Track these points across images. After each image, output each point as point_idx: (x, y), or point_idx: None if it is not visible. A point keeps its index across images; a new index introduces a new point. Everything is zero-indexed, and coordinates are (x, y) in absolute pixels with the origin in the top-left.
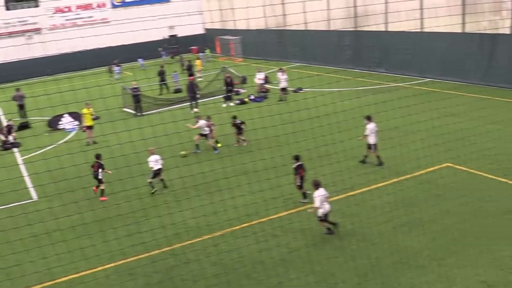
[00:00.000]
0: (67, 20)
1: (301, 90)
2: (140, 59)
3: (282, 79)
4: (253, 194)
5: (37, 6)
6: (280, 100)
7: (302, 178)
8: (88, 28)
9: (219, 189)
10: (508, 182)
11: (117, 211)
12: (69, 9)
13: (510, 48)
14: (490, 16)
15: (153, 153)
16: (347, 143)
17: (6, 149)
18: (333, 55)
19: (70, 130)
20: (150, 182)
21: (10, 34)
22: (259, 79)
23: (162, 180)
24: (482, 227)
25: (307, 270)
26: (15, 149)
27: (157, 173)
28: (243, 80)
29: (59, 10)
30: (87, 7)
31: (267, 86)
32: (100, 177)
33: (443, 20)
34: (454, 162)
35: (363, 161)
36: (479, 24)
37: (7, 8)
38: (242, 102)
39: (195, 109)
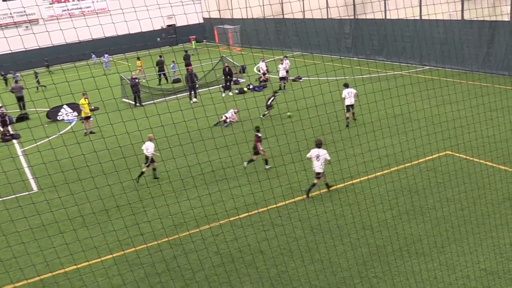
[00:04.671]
0: (63, 10)
1: (300, 79)
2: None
3: (281, 68)
4: (252, 184)
5: None
6: (279, 89)
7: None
8: (87, 18)
9: (218, 180)
10: (508, 170)
11: (114, 202)
12: (67, 0)
13: (510, 35)
14: (489, 3)
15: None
16: (346, 132)
17: (5, 140)
18: (333, 44)
19: (69, 121)
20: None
21: (7, 25)
22: (261, 68)
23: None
24: (482, 214)
25: (308, 259)
26: (14, 141)
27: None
28: (242, 70)
29: (56, 1)
30: None
31: (267, 75)
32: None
33: (442, 7)
34: (454, 150)
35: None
36: (478, 11)
37: None
38: (241, 92)
39: (194, 99)
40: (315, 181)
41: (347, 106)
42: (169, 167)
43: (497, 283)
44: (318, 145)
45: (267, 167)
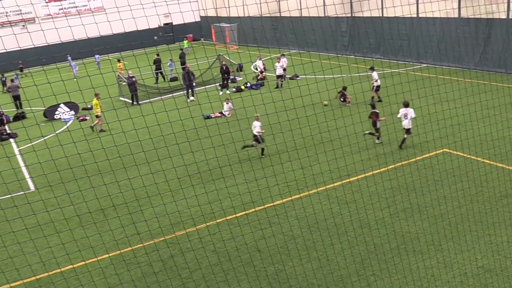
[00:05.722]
0: (60, 9)
1: (297, 77)
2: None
3: (278, 66)
4: (249, 182)
5: None
6: (276, 87)
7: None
8: (83, 17)
9: (215, 178)
10: (505, 168)
11: (110, 201)
12: None
13: (506, 33)
14: (486, 1)
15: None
16: (343, 130)
17: (2, 139)
18: (329, 41)
19: (66, 120)
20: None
21: (3, 24)
22: (259, 66)
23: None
24: (479, 212)
25: (305, 257)
26: (11, 140)
27: (255, 138)
28: (240, 68)
29: None
30: None
31: (264, 73)
32: (377, 126)
33: (439, 4)
34: (451, 148)
35: None
36: (475, 9)
37: None
38: (239, 90)
39: (192, 98)
40: (406, 136)
41: (377, 86)
42: (166, 165)
43: (495, 280)
44: (406, 104)
45: (378, 141)
